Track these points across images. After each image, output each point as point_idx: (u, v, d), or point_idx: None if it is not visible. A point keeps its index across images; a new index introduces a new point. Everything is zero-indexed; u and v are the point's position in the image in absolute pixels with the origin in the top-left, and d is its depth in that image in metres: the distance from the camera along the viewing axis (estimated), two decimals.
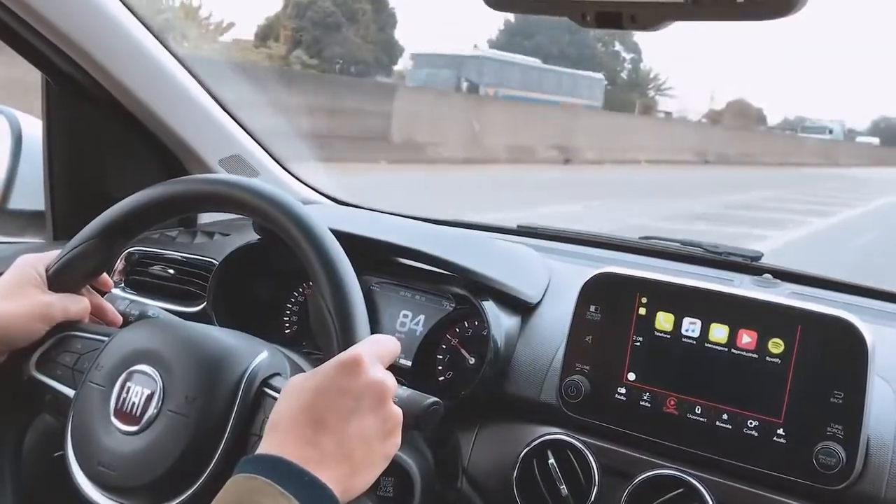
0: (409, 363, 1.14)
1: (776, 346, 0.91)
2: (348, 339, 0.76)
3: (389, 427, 0.73)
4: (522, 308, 1.12)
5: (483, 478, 1.03)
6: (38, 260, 0.91)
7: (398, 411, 0.74)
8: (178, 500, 0.77)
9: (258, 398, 0.80)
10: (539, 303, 1.14)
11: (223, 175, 0.89)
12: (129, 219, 0.89)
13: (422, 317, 1.17)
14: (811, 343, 0.89)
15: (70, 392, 0.86)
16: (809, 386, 0.89)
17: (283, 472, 0.65)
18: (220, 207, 0.87)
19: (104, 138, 1.39)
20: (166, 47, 1.32)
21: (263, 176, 1.50)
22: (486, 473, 1.03)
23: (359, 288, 0.79)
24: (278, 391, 0.78)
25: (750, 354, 0.92)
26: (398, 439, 0.74)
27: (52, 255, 0.91)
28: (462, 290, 1.12)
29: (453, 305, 1.16)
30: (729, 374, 0.93)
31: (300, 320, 1.28)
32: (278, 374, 0.83)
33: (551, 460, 0.97)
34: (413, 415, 0.76)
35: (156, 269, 1.33)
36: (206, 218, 1.47)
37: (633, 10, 0.67)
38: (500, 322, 1.07)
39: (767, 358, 0.91)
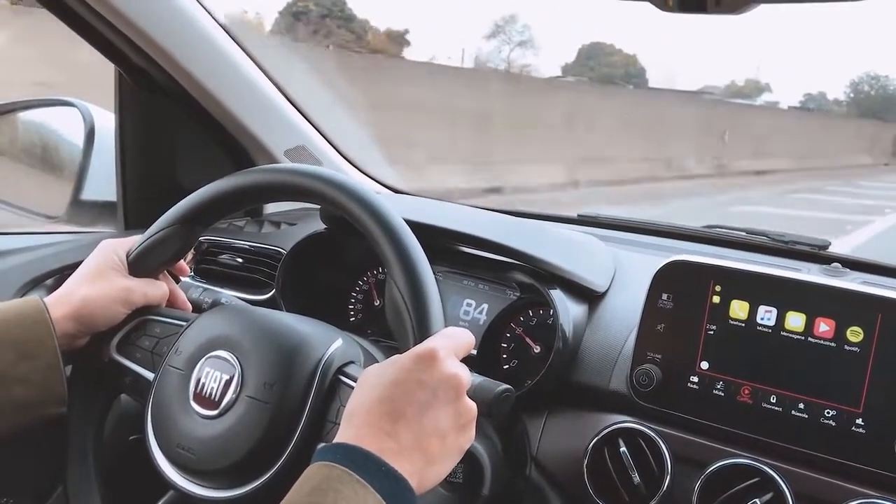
0: (473, 352, 1.14)
1: (855, 334, 0.89)
2: (424, 332, 0.76)
3: (464, 421, 0.73)
4: (590, 296, 1.12)
5: (552, 465, 1.03)
6: (118, 245, 0.93)
7: (473, 405, 0.74)
8: (255, 484, 0.78)
9: (333, 385, 0.81)
10: (606, 291, 1.13)
11: (302, 165, 0.90)
12: (208, 207, 0.91)
13: (485, 306, 1.18)
14: (892, 331, 0.87)
15: (149, 375, 0.88)
16: (890, 375, 0.87)
17: (362, 461, 0.66)
18: (299, 197, 0.87)
19: (174, 130, 1.42)
20: (234, 39, 1.35)
21: (326, 166, 1.52)
22: (555, 461, 1.03)
23: (433, 279, 0.79)
24: (353, 379, 0.79)
25: (828, 343, 0.90)
26: (472, 433, 0.74)
27: (132, 240, 0.93)
28: (527, 279, 1.12)
29: (517, 294, 1.16)
30: (805, 362, 0.91)
31: (365, 308, 1.30)
32: (353, 362, 0.84)
33: (623, 448, 0.96)
34: (485, 401, 0.77)
35: (224, 257, 1.36)
36: (272, 208, 1.50)
37: None
38: (568, 310, 1.06)
39: (846, 346, 0.89)
